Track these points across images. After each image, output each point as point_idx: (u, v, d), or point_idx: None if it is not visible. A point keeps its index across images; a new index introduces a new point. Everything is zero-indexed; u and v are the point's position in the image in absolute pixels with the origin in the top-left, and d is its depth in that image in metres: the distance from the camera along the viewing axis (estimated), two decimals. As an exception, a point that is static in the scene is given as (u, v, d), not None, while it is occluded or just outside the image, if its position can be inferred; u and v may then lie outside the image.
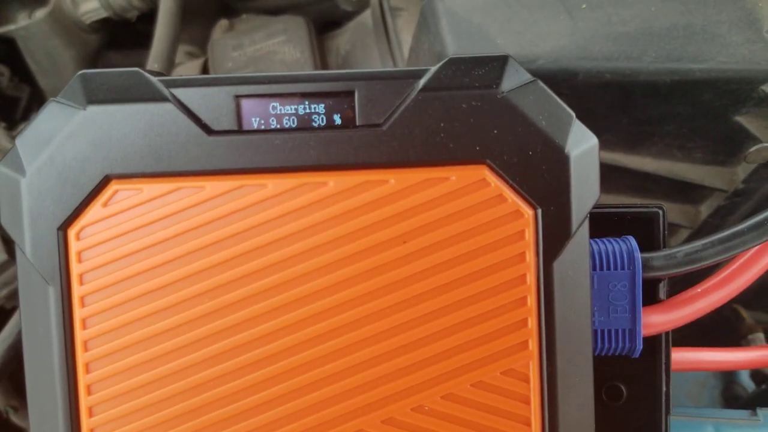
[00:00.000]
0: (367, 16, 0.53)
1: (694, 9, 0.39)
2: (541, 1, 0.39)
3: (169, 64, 0.48)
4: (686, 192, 0.45)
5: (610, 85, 0.37)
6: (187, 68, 0.56)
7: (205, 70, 0.54)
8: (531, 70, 0.37)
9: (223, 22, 0.54)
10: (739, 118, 0.39)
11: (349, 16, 0.57)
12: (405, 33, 0.50)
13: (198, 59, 0.58)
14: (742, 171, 0.42)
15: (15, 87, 0.65)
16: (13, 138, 0.58)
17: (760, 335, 0.51)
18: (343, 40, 0.53)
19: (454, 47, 0.38)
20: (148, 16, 0.56)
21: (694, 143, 0.41)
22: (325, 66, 0.52)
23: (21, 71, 0.64)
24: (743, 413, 0.34)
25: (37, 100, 0.66)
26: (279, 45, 0.51)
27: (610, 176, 0.44)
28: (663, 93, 0.38)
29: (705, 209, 0.46)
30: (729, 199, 0.44)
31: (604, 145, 0.42)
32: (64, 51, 0.59)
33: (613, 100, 0.38)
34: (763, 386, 0.47)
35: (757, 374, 0.48)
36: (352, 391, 0.23)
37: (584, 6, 0.39)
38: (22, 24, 0.57)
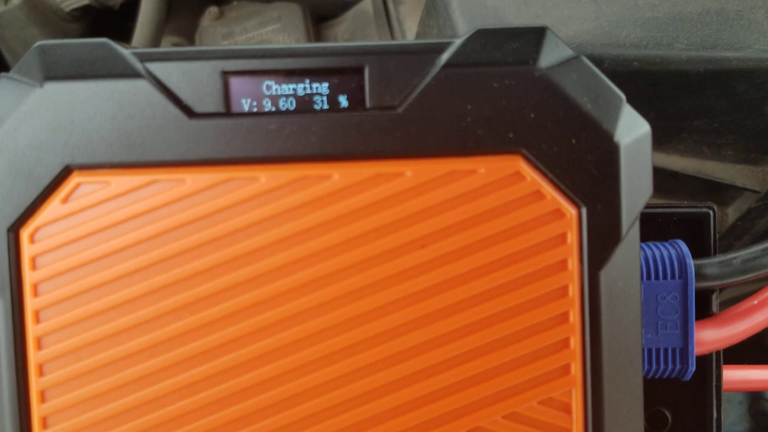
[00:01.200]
0: (367, 4, 0.50)
1: (727, -8, 0.35)
2: (561, -18, 0.36)
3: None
4: (713, 193, 0.42)
5: (638, 75, 0.34)
6: (174, 59, 0.53)
7: (192, 60, 0.50)
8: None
9: (212, 9, 0.51)
10: (775, 112, 0.36)
11: (347, 5, 0.54)
12: (408, 21, 0.46)
13: (185, 50, 0.54)
14: (775, 170, 0.39)
15: (-11, 78, 0.61)
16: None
17: (789, 347, 0.48)
18: (341, 29, 0.49)
19: (465, 30, 0.34)
20: (132, 4, 0.52)
21: (725, 140, 0.39)
22: (322, 57, 0.48)
23: (-3, 60, 0.60)
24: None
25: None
26: (273, 34, 0.47)
27: (633, 175, 0.41)
28: (695, 84, 0.35)
29: (732, 212, 0.43)
30: (761, 201, 0.41)
31: (627, 141, 0.39)
32: (42, 41, 0.55)
33: (641, 92, 0.35)
34: (794, 403, 0.44)
35: (785, 390, 0.45)
36: (359, 424, 0.20)
37: (609, -12, 0.35)
38: (-4, 10, 0.53)
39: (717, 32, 0.35)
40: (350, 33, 0.48)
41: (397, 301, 0.20)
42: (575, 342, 0.20)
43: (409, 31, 0.46)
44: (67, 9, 0.54)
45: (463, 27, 0.35)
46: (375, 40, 0.48)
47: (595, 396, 0.20)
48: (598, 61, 0.34)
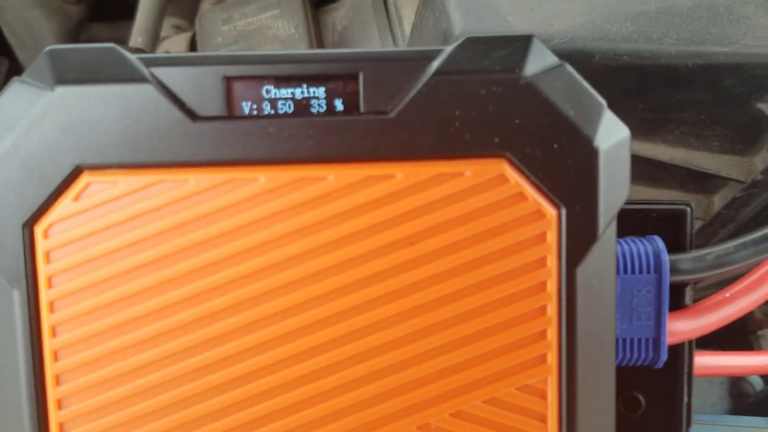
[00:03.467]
0: (365, -11, 0.50)
1: (718, -13, 0.36)
2: (555, -23, 0.36)
3: (154, 38, 0.45)
4: (700, 182, 0.43)
5: (627, 68, 0.35)
6: (174, 42, 0.53)
7: (192, 45, 0.51)
8: (544, 50, 0.35)
9: (212, -6, 0.51)
10: (761, 106, 0.37)
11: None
12: (406, 7, 0.47)
13: (185, 33, 0.55)
14: (760, 161, 0.40)
15: (-8, 60, 0.62)
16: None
17: (770, 331, 0.49)
18: (340, 14, 0.50)
19: (461, 24, 0.35)
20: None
21: (713, 131, 0.39)
22: (320, 42, 0.49)
23: (-1, 43, 0.60)
24: (761, 421, 0.33)
25: (17, 74, 0.63)
26: (272, 19, 0.48)
27: (621, 164, 0.42)
28: (683, 77, 0.36)
29: (719, 200, 0.44)
30: (745, 191, 0.42)
31: (616, 131, 0.40)
32: (45, 23, 0.55)
33: (630, 85, 0.36)
34: (773, 384, 0.46)
35: (765, 371, 0.47)
36: (350, 408, 0.21)
37: (601, -18, 0.36)
38: (-2, -7, 0.54)
39: (706, 27, 0.35)
40: (348, 19, 0.49)
41: (387, 295, 0.21)
42: (552, 334, 0.21)
43: (405, 18, 0.46)
44: (69, -9, 0.55)
45: (458, 19, 0.36)
46: (372, 26, 0.49)
47: (569, 383, 0.21)
48: (589, 55, 0.35)
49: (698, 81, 0.36)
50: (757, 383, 0.48)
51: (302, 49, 0.46)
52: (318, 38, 0.49)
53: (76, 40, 0.61)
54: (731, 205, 0.43)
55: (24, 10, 0.56)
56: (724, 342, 0.40)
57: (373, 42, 0.48)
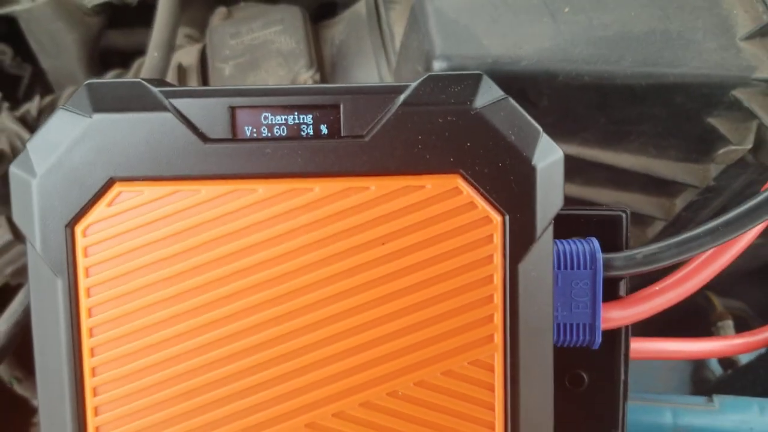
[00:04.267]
0: (362, 6, 0.54)
1: (672, 15, 0.40)
2: (526, 4, 0.40)
3: (169, 50, 0.49)
4: (662, 187, 0.47)
5: (588, 87, 0.39)
6: (186, 53, 0.58)
7: (203, 56, 0.56)
8: (515, 71, 0.39)
9: (221, 10, 0.56)
10: (711, 120, 0.41)
11: (344, 4, 0.58)
12: (398, 25, 0.51)
13: (197, 44, 0.59)
14: (714, 169, 0.44)
15: (17, 66, 0.67)
16: (15, 117, 0.59)
17: (729, 323, 0.53)
18: (338, 30, 0.54)
19: (441, 47, 0.39)
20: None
21: (669, 142, 0.43)
22: (320, 56, 0.54)
23: (23, 50, 0.65)
24: (700, 399, 0.37)
25: (39, 80, 0.67)
26: (275, 35, 0.52)
27: (590, 171, 0.46)
28: (639, 95, 0.40)
29: (680, 202, 0.48)
30: (701, 195, 0.46)
31: (583, 141, 0.44)
32: (67, 34, 0.60)
33: (592, 101, 0.40)
34: (729, 371, 0.50)
35: (724, 359, 0.51)
36: (333, 377, 0.26)
37: (567, 9, 0.40)
38: (25, 6, 0.58)
39: (659, 51, 0.39)
40: (345, 34, 0.53)
41: (363, 285, 0.25)
42: (498, 318, 0.26)
43: (397, 35, 0.50)
44: (90, 5, 0.59)
45: (439, 42, 0.39)
46: (367, 41, 0.53)
47: (512, 359, 0.26)
48: (553, 75, 0.39)
49: (652, 98, 0.40)
50: (717, 370, 0.52)
51: (301, 64, 0.50)
52: (317, 52, 0.53)
53: (95, 48, 0.65)
54: (690, 208, 0.47)
55: (48, 21, 0.60)
56: (688, 332, 0.44)
57: (367, 57, 0.52)
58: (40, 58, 0.63)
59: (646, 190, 0.48)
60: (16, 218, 0.25)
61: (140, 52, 0.58)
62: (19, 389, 0.55)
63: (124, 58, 0.64)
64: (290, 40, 0.52)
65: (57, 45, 0.61)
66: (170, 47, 0.50)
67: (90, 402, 0.25)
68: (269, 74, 0.51)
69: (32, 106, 0.59)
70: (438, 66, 0.38)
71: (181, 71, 0.55)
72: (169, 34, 0.49)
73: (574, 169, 0.46)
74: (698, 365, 0.52)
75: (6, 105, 0.59)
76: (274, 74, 0.51)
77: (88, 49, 0.62)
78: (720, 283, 0.64)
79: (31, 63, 0.67)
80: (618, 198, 0.48)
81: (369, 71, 0.52)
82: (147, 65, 0.47)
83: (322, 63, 0.53)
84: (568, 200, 0.26)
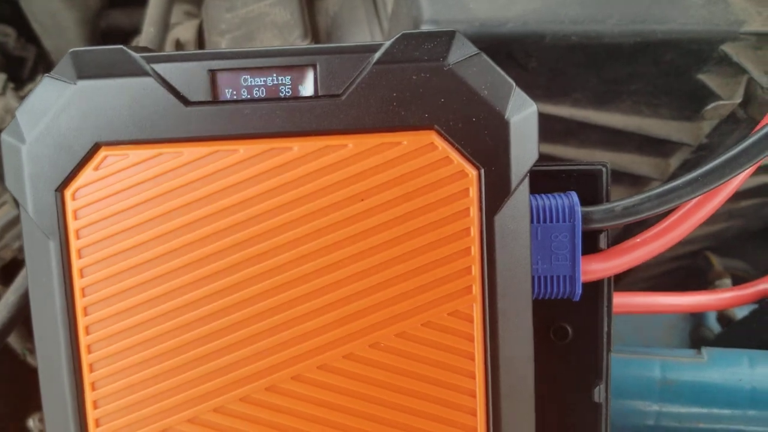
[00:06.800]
0: (355, -24, 0.55)
1: (659, -29, 0.40)
2: (513, -34, 0.40)
3: (164, 27, 0.50)
4: (656, 146, 0.47)
5: (576, 47, 0.39)
6: (184, 29, 0.58)
7: (200, 31, 0.56)
8: (502, 33, 0.40)
9: (216, -16, 0.56)
10: (701, 77, 0.41)
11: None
12: (390, -6, 0.51)
13: (195, 19, 0.60)
14: (706, 126, 0.44)
15: (21, 47, 0.68)
16: (20, 97, 0.61)
17: (727, 281, 0.54)
18: (332, 1, 0.55)
19: (429, 12, 0.39)
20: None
21: (660, 100, 0.43)
22: (314, 27, 0.54)
23: (27, 32, 0.66)
24: (689, 352, 0.37)
25: (43, 61, 0.68)
26: (270, 7, 0.53)
27: (584, 132, 0.47)
28: (628, 54, 0.40)
29: (674, 162, 0.48)
30: (695, 153, 0.46)
31: (575, 103, 0.44)
32: (67, 13, 0.61)
33: (581, 61, 0.40)
34: (727, 328, 0.51)
35: (722, 317, 0.51)
36: (316, 330, 0.27)
37: (553, -30, 0.40)
38: (24, -13, 0.59)
39: (647, 8, 0.39)
40: (339, 5, 0.54)
41: (345, 240, 0.26)
42: (476, 269, 0.26)
43: (389, 3, 0.50)
44: (88, -16, 0.60)
45: (426, 7, 0.40)
46: (361, 11, 0.53)
47: (491, 309, 0.26)
48: (541, 36, 0.39)
49: (641, 56, 0.40)
50: (715, 327, 0.52)
51: (296, 35, 0.51)
52: (312, 23, 0.53)
53: (96, 27, 0.66)
54: (684, 166, 0.47)
55: (48, 1, 0.61)
56: (686, 289, 0.44)
57: (361, 26, 0.52)
58: (42, 38, 0.64)
59: (641, 151, 0.48)
60: (9, 184, 0.26)
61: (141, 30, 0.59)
62: (32, 360, 0.57)
63: (126, 37, 0.65)
64: (284, 11, 0.52)
65: (58, 24, 0.62)
66: (166, 23, 0.50)
67: (85, 359, 0.27)
68: (265, 46, 0.51)
69: (36, 86, 0.60)
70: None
71: (179, 46, 0.56)
72: (164, 10, 0.49)
73: (568, 131, 0.46)
74: (696, 324, 0.52)
75: (11, 86, 0.60)
76: (269, 46, 0.51)
77: (88, 28, 0.63)
78: (723, 244, 0.64)
79: (35, 44, 0.68)
80: (613, 159, 0.48)
81: (363, 40, 0.52)
82: (143, 41, 0.48)
83: (316, 33, 0.53)
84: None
